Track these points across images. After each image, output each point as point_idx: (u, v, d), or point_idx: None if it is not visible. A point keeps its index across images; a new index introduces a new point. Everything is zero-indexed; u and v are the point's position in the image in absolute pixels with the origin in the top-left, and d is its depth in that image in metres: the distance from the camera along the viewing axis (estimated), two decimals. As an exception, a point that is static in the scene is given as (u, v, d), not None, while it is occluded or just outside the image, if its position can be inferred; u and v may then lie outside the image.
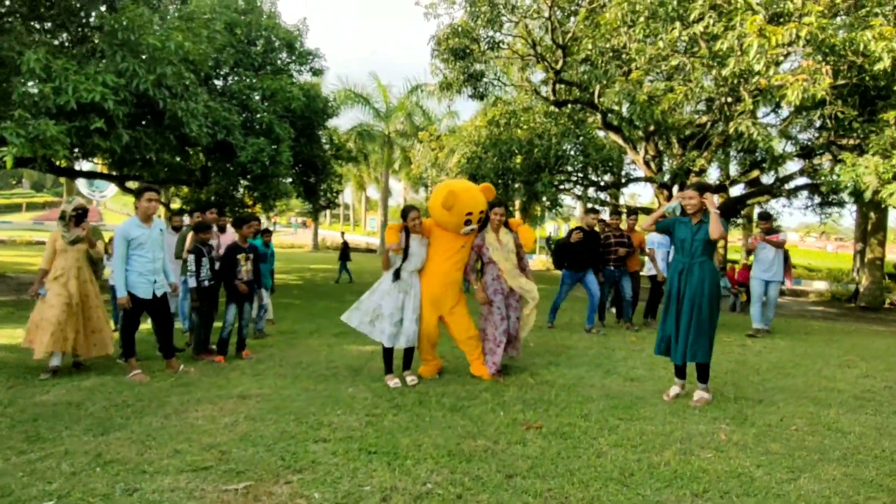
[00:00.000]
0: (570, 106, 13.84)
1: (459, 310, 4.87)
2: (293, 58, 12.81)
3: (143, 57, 6.92)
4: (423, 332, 4.76)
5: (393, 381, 4.55)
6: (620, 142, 13.86)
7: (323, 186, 15.20)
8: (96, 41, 6.94)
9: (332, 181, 15.60)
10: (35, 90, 6.26)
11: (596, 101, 11.68)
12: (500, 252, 4.86)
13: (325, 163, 14.52)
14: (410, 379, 4.64)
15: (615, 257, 7.57)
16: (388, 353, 4.63)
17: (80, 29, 6.96)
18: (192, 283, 5.10)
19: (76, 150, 7.70)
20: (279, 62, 12.27)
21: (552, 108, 13.97)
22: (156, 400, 4.06)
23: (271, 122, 10.08)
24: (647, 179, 13.54)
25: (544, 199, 12.17)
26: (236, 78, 10.57)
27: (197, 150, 10.09)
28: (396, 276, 4.55)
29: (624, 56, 9.26)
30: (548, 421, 3.73)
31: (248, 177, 10.00)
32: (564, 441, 3.39)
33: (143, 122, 8.04)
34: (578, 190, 15.92)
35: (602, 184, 14.84)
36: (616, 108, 10.89)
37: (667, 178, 12.48)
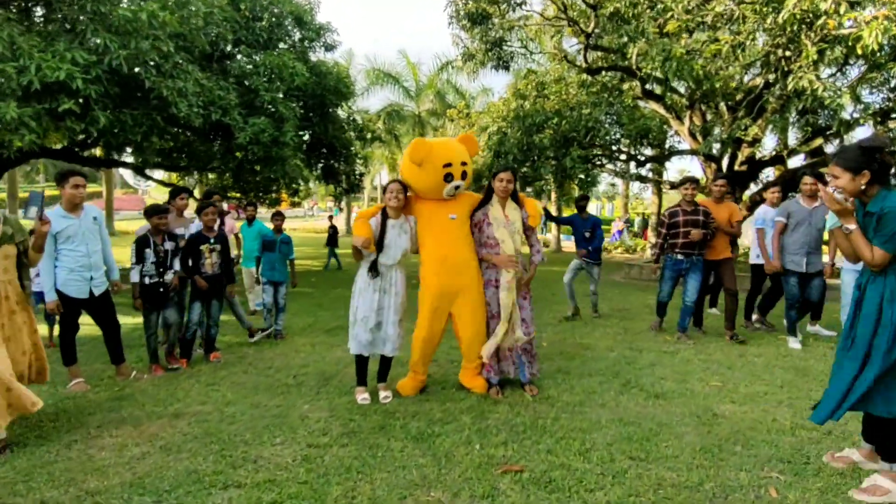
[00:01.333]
0: (604, 74, 12.55)
1: (470, 297, 3.84)
2: (304, 33, 12.09)
3: (115, 31, 6.32)
4: (423, 338, 3.89)
5: (361, 396, 3.82)
6: (662, 111, 12.48)
7: (345, 169, 14.57)
8: (67, 15, 6.38)
9: (354, 163, 14.95)
10: (3, 69, 5.76)
11: (633, 65, 10.42)
12: (505, 229, 3.88)
13: (346, 144, 13.86)
14: (383, 395, 3.87)
15: (683, 241, 5.58)
16: (361, 361, 3.86)
17: (50, 4, 6.43)
18: (134, 277, 4.40)
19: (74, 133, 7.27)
20: (288, 38, 11.58)
21: (585, 76, 12.73)
22: (74, 419, 3.47)
23: (274, 101, 9.42)
24: (691, 152, 12.15)
25: (575, 175, 11.01)
26: (238, 56, 9.94)
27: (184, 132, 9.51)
28: (373, 271, 3.72)
29: (658, 5, 7.99)
30: (534, 460, 2.88)
31: (250, 159, 9.41)
32: (549, 494, 2.54)
33: (130, 103, 7.50)
34: (615, 165, 14.62)
35: (641, 158, 13.47)
36: (655, 72, 9.64)
37: (715, 148, 11.08)
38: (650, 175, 16.55)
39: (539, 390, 3.98)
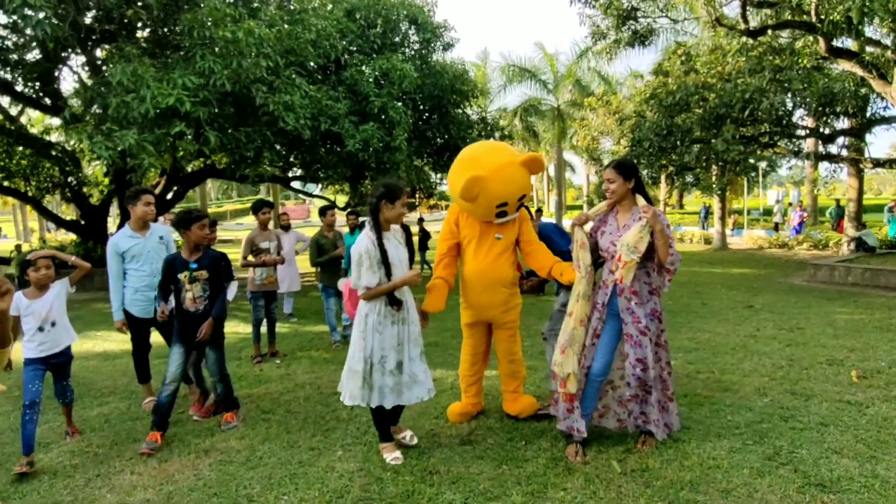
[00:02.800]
0: (770, 34, 10.22)
1: (506, 318, 3.53)
2: (421, 35, 11.87)
3: (219, 53, 6.57)
4: (463, 355, 3.68)
5: (392, 456, 3.04)
6: (858, 70, 9.74)
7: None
8: (180, 43, 6.82)
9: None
10: (126, 101, 6.32)
11: (813, 17, 8.21)
12: (608, 237, 3.04)
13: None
14: (408, 436, 3.24)
15: None
16: (382, 413, 3.10)
17: (168, 34, 6.95)
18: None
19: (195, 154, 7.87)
20: (405, 41, 11.44)
21: (745, 39, 10.52)
22: (119, 444, 3.37)
23: (384, 106, 9.26)
24: (903, 118, 9.28)
25: (730, 159, 9.03)
26: (352, 64, 10.00)
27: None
28: (395, 303, 2.99)
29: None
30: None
31: (363, 167, 9.36)
32: None
33: (246, 121, 7.85)
34: (791, 143, 11.91)
35: (828, 132, 10.71)
36: (846, 18, 7.40)
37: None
38: (843, 153, 13.23)
39: (635, 448, 2.92)
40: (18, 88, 11.20)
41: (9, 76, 11.04)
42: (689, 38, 15.13)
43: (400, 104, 9.58)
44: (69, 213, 24.65)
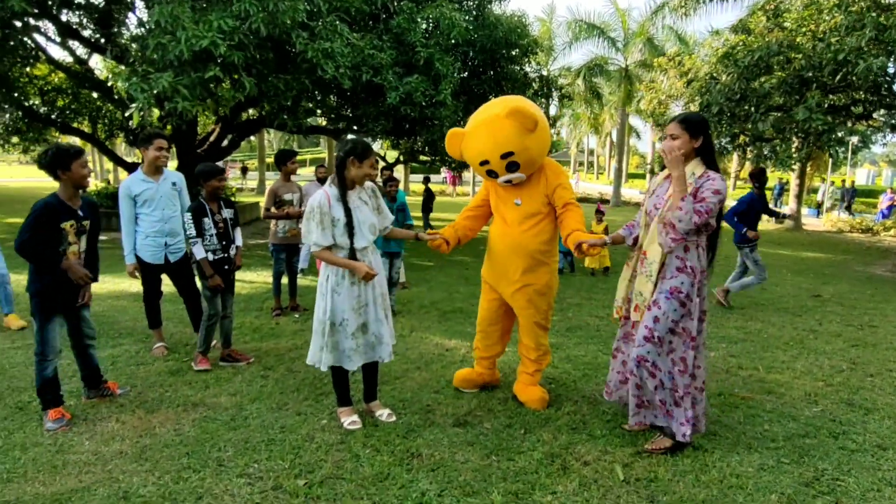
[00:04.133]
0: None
1: (526, 290, 3.14)
2: (478, -17, 11.13)
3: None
4: (478, 319, 3.44)
5: (349, 420, 2.94)
6: None
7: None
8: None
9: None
10: (163, 43, 6.21)
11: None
12: (652, 199, 2.71)
13: (524, 104, 12.67)
14: (385, 414, 3.04)
15: None
16: (341, 375, 2.96)
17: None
18: (200, 252, 3.66)
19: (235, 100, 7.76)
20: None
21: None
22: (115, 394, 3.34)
23: (430, 58, 8.77)
24: None
25: (813, 130, 7.94)
26: (401, 11, 9.49)
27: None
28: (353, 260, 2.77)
29: None
30: None
31: (405, 121, 8.98)
32: None
33: (285, 67, 7.63)
34: (888, 116, 10.48)
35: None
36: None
37: None
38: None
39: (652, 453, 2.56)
40: (86, 34, 11.52)
41: (76, 19, 11.37)
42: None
43: (449, 57, 9.05)
44: (137, 156, 25.82)
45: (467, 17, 10.28)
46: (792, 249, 12.26)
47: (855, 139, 15.28)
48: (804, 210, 18.39)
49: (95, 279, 3.05)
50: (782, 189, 21.71)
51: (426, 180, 14.02)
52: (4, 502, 2.21)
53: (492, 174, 3.05)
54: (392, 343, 2.99)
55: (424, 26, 9.12)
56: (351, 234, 2.73)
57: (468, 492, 2.32)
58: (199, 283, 3.98)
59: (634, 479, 2.41)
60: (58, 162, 2.81)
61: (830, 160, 18.08)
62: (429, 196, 13.17)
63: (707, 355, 4.00)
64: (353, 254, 2.77)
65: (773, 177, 30.16)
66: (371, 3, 8.67)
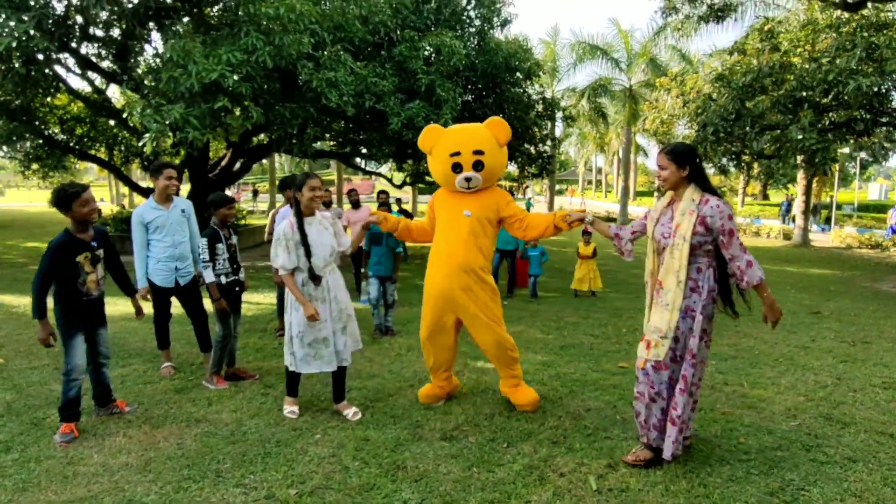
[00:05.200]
0: (870, 6, 8.99)
1: (478, 305, 3.36)
2: (479, 11, 11.50)
3: (262, 28, 6.66)
4: (424, 339, 3.57)
5: (290, 409, 3.44)
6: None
7: (530, 151, 13.71)
8: (227, 20, 6.97)
9: (537, 145, 13.99)
10: (175, 76, 6.56)
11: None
12: (659, 228, 2.76)
13: (528, 126, 12.98)
14: (351, 413, 3.39)
15: None
16: (295, 375, 3.46)
17: (223, 11, 7.13)
18: (210, 276, 3.93)
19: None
20: (459, 17, 11.13)
21: (839, 13, 9.35)
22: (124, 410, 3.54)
23: (431, 84, 9.07)
24: None
25: (806, 149, 8.07)
26: (403, 40, 9.85)
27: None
28: (314, 279, 3.24)
29: None
30: None
31: (407, 145, 9.26)
32: None
33: (291, 97, 7.97)
34: (889, 132, 10.57)
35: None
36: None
37: None
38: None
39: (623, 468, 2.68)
40: (104, 65, 12.06)
41: (95, 51, 11.91)
42: (782, 12, 13.72)
43: (450, 83, 9.36)
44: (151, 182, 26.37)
45: (468, 44, 10.61)
46: (798, 266, 12.27)
47: (864, 154, 15.32)
48: (812, 227, 18.35)
49: (102, 306, 3.38)
50: (790, 205, 21.68)
51: (399, 201, 14.98)
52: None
53: (457, 168, 3.30)
54: (356, 348, 3.48)
55: (426, 54, 9.44)
56: (308, 256, 3.17)
57: (447, 501, 2.47)
58: (208, 305, 4.21)
59: (607, 489, 2.54)
60: (60, 204, 3.10)
61: (837, 176, 18.07)
62: (405, 216, 13.54)
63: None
64: (312, 272, 3.20)
65: (780, 194, 30.06)
66: (374, 33, 9.04)
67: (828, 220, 20.71)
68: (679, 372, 2.65)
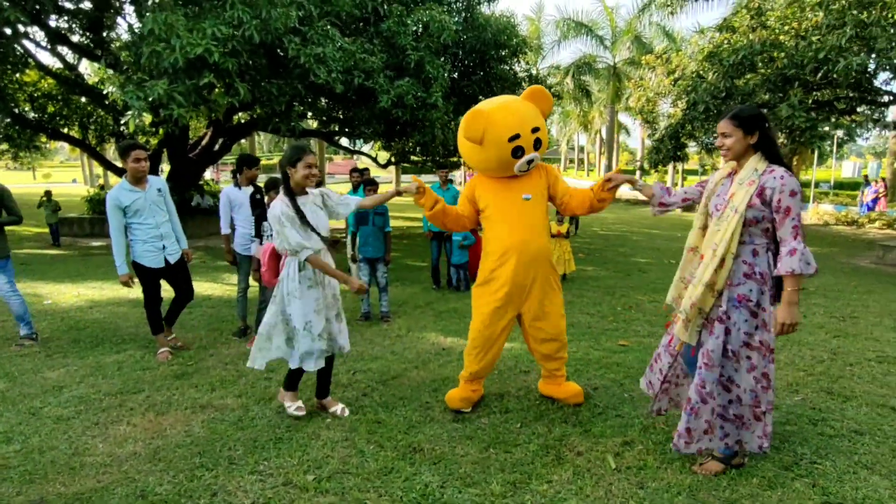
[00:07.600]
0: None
1: (546, 291, 3.11)
2: (466, -16, 11.24)
3: (247, 1, 6.39)
4: (481, 344, 3.14)
5: (296, 405, 3.16)
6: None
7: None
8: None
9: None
10: (157, 51, 6.28)
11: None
12: (714, 200, 2.50)
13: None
14: (339, 409, 3.21)
15: None
16: (299, 371, 3.12)
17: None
18: (255, 250, 4.37)
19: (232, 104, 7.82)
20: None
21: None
22: (124, 394, 3.43)
23: (421, 60, 8.88)
24: None
25: (796, 127, 8.16)
26: (392, 15, 9.59)
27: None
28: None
29: None
30: None
31: (397, 123, 9.09)
32: None
33: (278, 73, 7.72)
34: (876, 111, 10.74)
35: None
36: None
37: None
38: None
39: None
40: (75, 39, 11.52)
41: (65, 25, 11.36)
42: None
43: (439, 59, 9.17)
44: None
45: (456, 20, 10.40)
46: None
47: (840, 133, 15.60)
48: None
49: None
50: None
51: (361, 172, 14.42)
52: (30, 501, 2.32)
53: (518, 152, 2.93)
54: (334, 341, 3.13)
55: (414, 29, 9.22)
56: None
57: (468, 483, 2.46)
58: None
59: (625, 468, 2.56)
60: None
61: (816, 154, 18.39)
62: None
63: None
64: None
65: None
66: (361, 7, 8.77)
67: (805, 199, 21.13)
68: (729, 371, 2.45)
